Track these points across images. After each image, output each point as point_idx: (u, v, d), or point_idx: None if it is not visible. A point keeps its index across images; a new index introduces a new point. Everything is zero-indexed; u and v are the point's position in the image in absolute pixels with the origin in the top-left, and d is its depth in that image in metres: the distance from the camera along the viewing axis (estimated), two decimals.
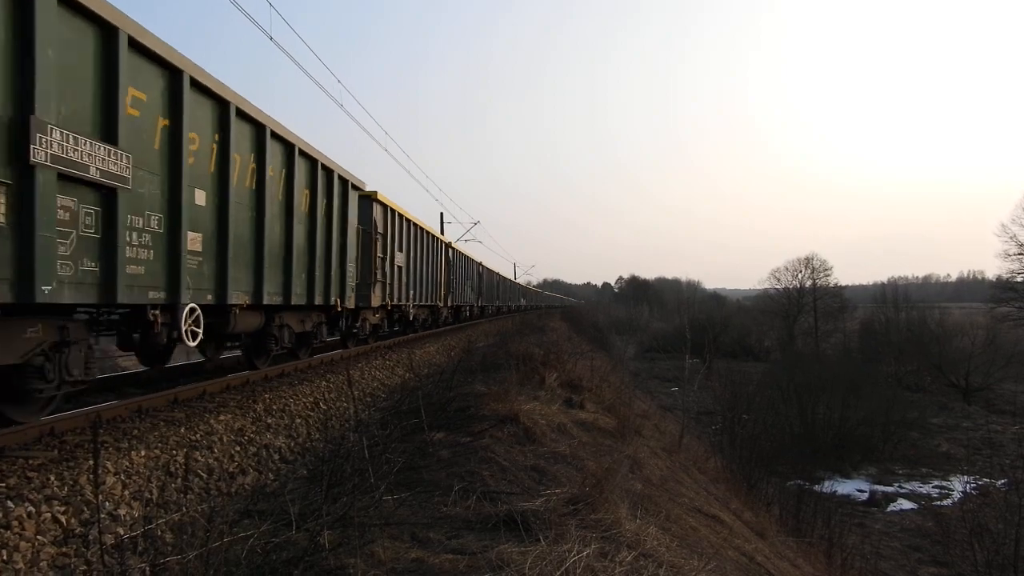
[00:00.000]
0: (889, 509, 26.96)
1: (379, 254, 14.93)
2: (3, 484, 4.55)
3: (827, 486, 24.68)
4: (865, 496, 28.27)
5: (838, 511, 20.40)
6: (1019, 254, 51.19)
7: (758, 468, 19.59)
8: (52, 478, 4.74)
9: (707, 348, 41.74)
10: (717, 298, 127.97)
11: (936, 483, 30.44)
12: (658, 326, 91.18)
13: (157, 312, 6.67)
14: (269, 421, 7.80)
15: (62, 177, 5.20)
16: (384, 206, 15.42)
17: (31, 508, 4.27)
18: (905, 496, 28.60)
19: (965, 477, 27.29)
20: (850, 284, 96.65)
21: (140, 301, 6.32)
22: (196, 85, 7.05)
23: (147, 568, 3.41)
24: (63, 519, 4.30)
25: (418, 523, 4.46)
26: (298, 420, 8.31)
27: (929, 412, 40.85)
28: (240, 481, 6.11)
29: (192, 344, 7.17)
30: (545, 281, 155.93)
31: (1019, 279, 52.58)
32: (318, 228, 10.80)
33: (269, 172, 8.95)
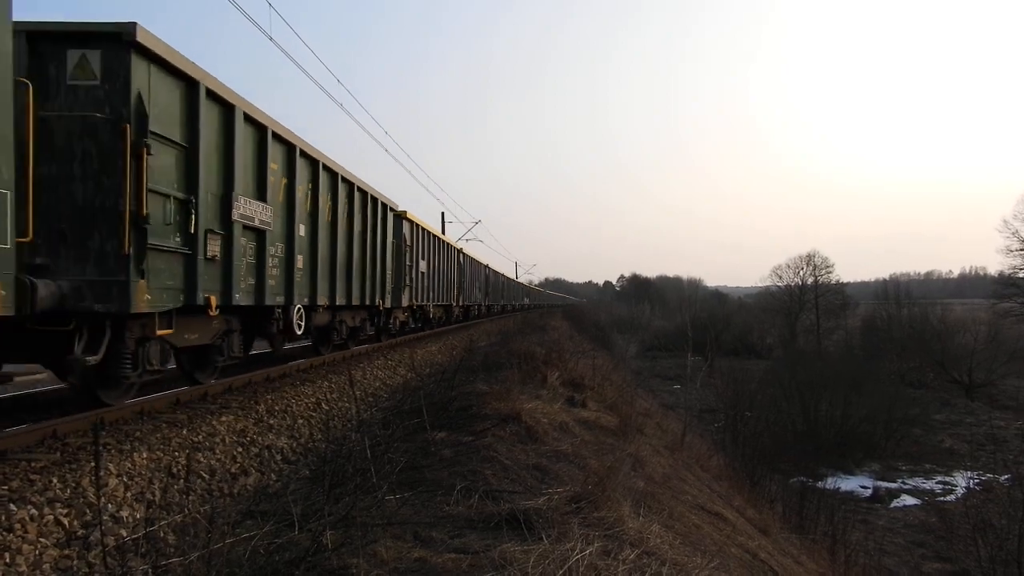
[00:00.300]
0: (892, 505, 26.92)
1: (408, 263, 17.64)
2: (6, 487, 4.55)
3: (830, 483, 24.64)
4: (868, 492, 28.23)
5: (841, 508, 20.37)
6: (1021, 250, 51.26)
7: (761, 465, 19.57)
8: (55, 480, 4.75)
9: (709, 346, 41.75)
10: (719, 296, 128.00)
11: (939, 479, 30.40)
12: (660, 324, 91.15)
13: (279, 311, 9.60)
14: (271, 422, 7.80)
15: (242, 226, 8.03)
16: (412, 223, 18.31)
17: (34, 511, 4.27)
18: (908, 492, 28.56)
19: (968, 473, 27.25)
20: (852, 281, 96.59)
21: (272, 304, 9.04)
22: (303, 154, 9.99)
23: (149, 570, 3.40)
24: (66, 521, 4.30)
25: (421, 522, 4.45)
26: (300, 421, 8.31)
27: (932, 408, 40.79)
28: (242, 482, 6.11)
29: (299, 333, 10.17)
30: (547, 280, 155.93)
31: (1021, 275, 52.55)
32: (368, 245, 13.57)
33: (340, 206, 11.74)
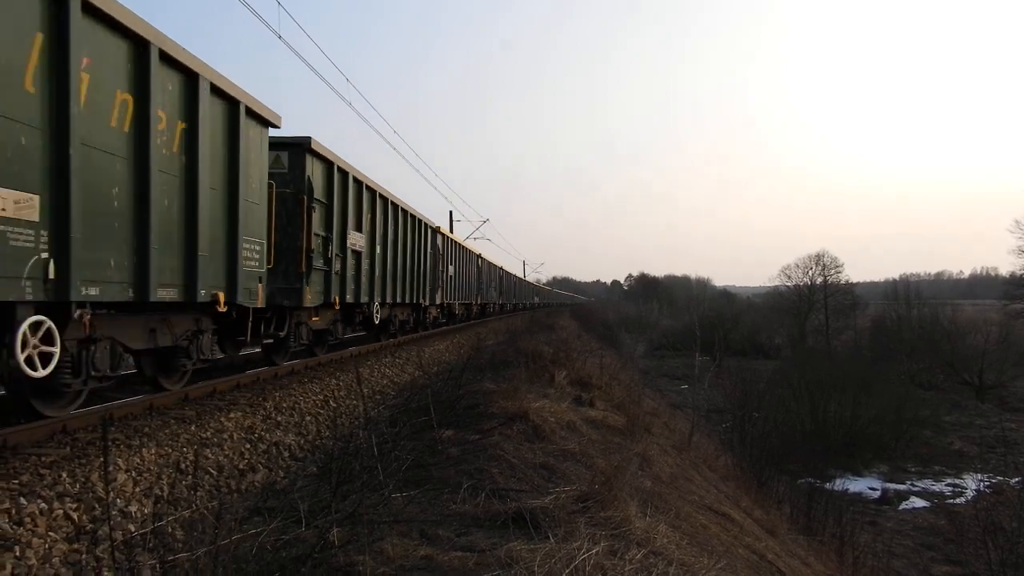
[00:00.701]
0: (901, 507, 26.77)
1: (440, 269, 21.63)
2: (16, 481, 4.58)
3: (838, 484, 24.50)
4: (877, 494, 28.09)
5: (850, 509, 20.25)
6: None
7: (769, 466, 19.49)
8: (64, 475, 4.78)
9: (717, 346, 41.59)
10: (727, 295, 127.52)
11: (949, 481, 30.21)
12: (668, 324, 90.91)
13: (365, 305, 13.71)
14: (279, 419, 7.82)
15: (351, 250, 12.31)
16: (443, 235, 22.46)
17: (43, 505, 4.30)
18: (918, 494, 28.40)
19: (978, 475, 27.05)
20: (861, 281, 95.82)
21: (364, 301, 13.34)
22: (380, 196, 14.32)
23: (157, 565, 3.42)
24: (75, 516, 4.32)
25: (427, 520, 4.46)
26: (308, 418, 8.33)
27: (942, 410, 40.53)
28: (250, 478, 6.13)
29: (376, 323, 14.86)
30: (554, 279, 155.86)
31: None
32: (418, 256, 18.15)
33: (398, 228, 16.04)
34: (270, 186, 9.27)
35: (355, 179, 12.63)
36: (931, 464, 32.48)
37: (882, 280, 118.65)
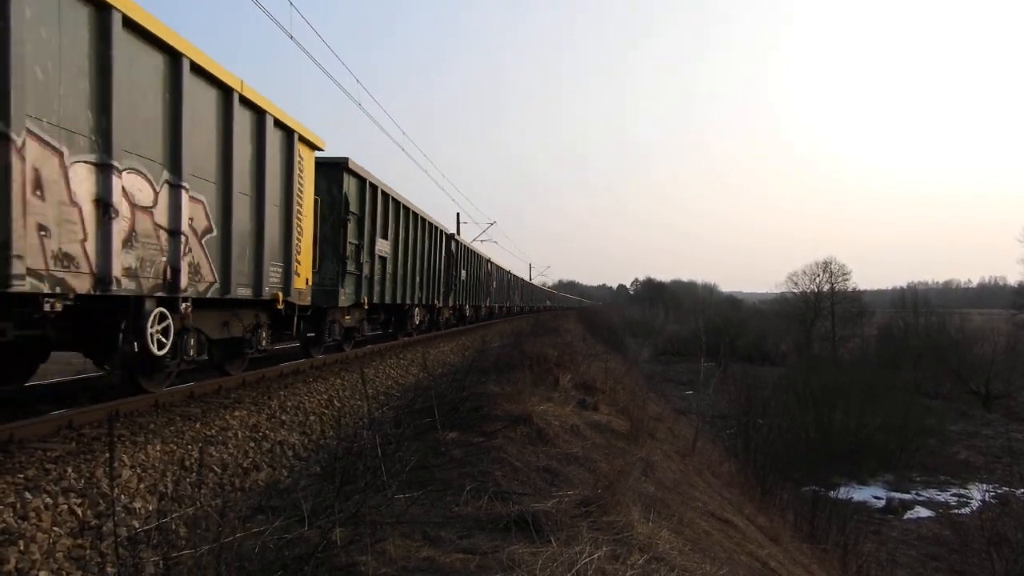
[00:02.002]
0: (906, 517, 26.61)
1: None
2: (21, 476, 4.61)
3: (843, 492, 24.38)
4: (882, 503, 27.93)
5: (854, 518, 20.15)
6: None
7: (773, 473, 19.40)
8: (69, 470, 4.80)
9: (722, 351, 41.48)
10: (733, 301, 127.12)
11: (954, 491, 30.02)
12: (673, 328, 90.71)
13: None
14: (283, 418, 7.84)
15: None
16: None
17: (48, 500, 4.32)
18: (922, 504, 28.23)
19: (984, 485, 26.87)
20: (869, 289, 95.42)
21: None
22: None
23: (160, 561, 3.43)
24: (79, 511, 4.34)
25: (430, 522, 4.46)
26: (312, 417, 8.35)
27: (948, 419, 40.27)
28: (254, 477, 6.15)
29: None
30: (560, 282, 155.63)
31: None
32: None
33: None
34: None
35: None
36: (936, 473, 32.29)
37: (890, 288, 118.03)
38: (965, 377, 49.38)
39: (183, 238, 6.79)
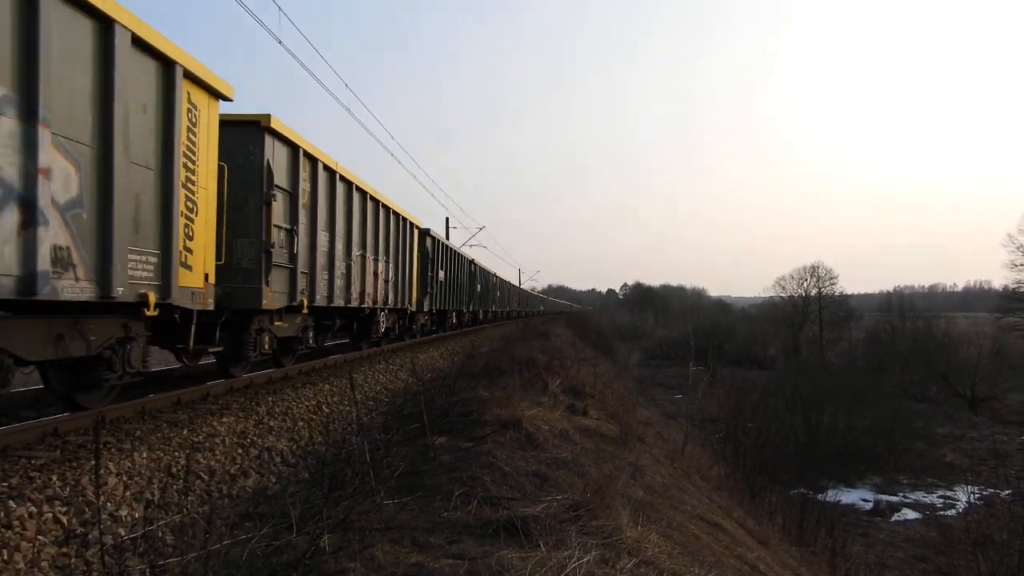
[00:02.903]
0: (893, 519, 26.79)
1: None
2: (5, 484, 4.56)
3: (831, 495, 24.54)
4: (869, 506, 28.10)
5: (842, 520, 20.25)
6: None
7: (761, 477, 19.49)
8: (54, 478, 4.75)
9: (711, 355, 41.66)
10: (722, 305, 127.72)
11: (941, 493, 30.25)
12: (663, 333, 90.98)
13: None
14: (271, 424, 7.80)
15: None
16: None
17: (33, 508, 4.28)
18: (910, 506, 28.42)
19: (970, 487, 27.09)
20: (856, 293, 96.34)
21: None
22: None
23: (147, 569, 3.41)
24: (64, 519, 4.30)
25: (418, 528, 4.45)
26: (300, 423, 8.31)
27: (935, 422, 40.59)
28: (242, 483, 6.11)
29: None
30: (550, 287, 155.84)
31: None
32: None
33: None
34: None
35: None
36: (923, 476, 32.53)
37: (876, 292, 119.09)
38: (951, 380, 49.81)
39: None
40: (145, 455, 5.64)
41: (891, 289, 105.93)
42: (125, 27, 5.91)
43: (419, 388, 9.97)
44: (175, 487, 5.37)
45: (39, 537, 4.05)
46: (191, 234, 7.23)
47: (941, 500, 29.32)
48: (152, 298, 6.45)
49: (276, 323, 9.91)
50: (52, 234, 5.21)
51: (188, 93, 7.10)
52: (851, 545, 18.31)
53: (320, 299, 11.09)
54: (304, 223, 10.34)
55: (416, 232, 18.98)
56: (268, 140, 9.09)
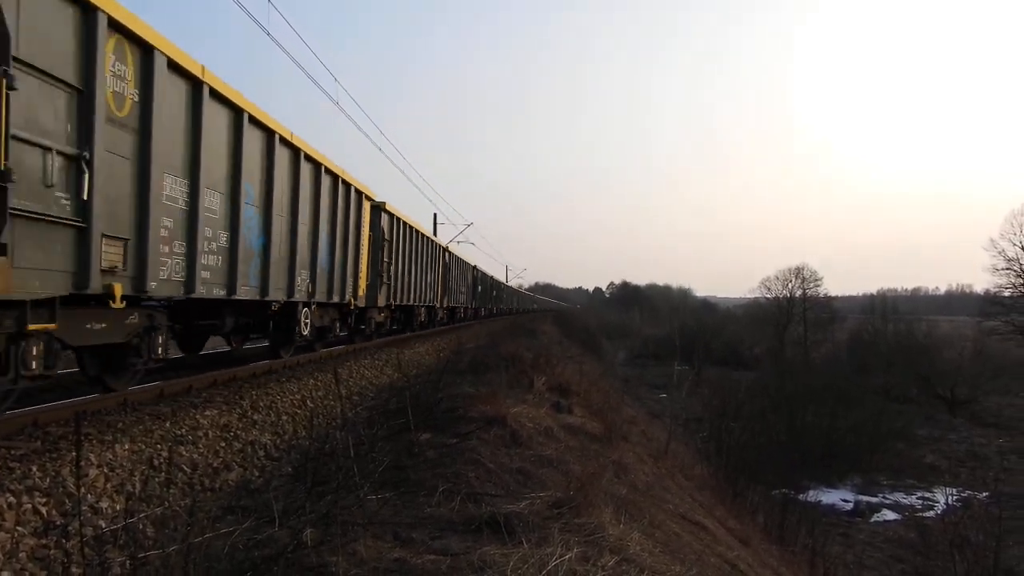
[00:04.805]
0: (873, 520, 27.11)
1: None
2: None
3: (812, 495, 24.81)
4: (850, 506, 28.42)
5: (822, 520, 20.49)
6: (1007, 269, 51.52)
7: (744, 476, 19.65)
8: (34, 469, 4.72)
9: (697, 355, 41.88)
10: (708, 305, 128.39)
11: (920, 494, 30.63)
12: (649, 332, 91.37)
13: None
14: (255, 417, 7.77)
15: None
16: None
17: (12, 499, 4.24)
18: (889, 507, 28.76)
19: (948, 489, 27.47)
20: (840, 295, 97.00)
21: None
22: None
23: (127, 562, 3.39)
24: (44, 510, 4.27)
25: (401, 523, 4.45)
26: (284, 417, 8.28)
27: (915, 423, 41.08)
28: (224, 477, 6.09)
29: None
30: (536, 284, 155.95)
31: (1007, 293, 52.97)
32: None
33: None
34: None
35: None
36: (903, 477, 32.92)
37: (860, 294, 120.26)
38: (933, 382, 50.37)
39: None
40: (127, 447, 5.61)
41: (875, 292, 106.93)
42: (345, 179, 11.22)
43: (404, 384, 9.96)
44: (157, 479, 5.34)
45: (18, 528, 4.02)
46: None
47: (920, 501, 29.69)
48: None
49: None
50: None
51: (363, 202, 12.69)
52: (831, 545, 18.50)
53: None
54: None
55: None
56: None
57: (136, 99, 6.28)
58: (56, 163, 5.26)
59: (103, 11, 5.65)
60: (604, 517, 5.00)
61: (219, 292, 8.17)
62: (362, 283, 14.41)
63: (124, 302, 6.28)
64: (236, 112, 8.24)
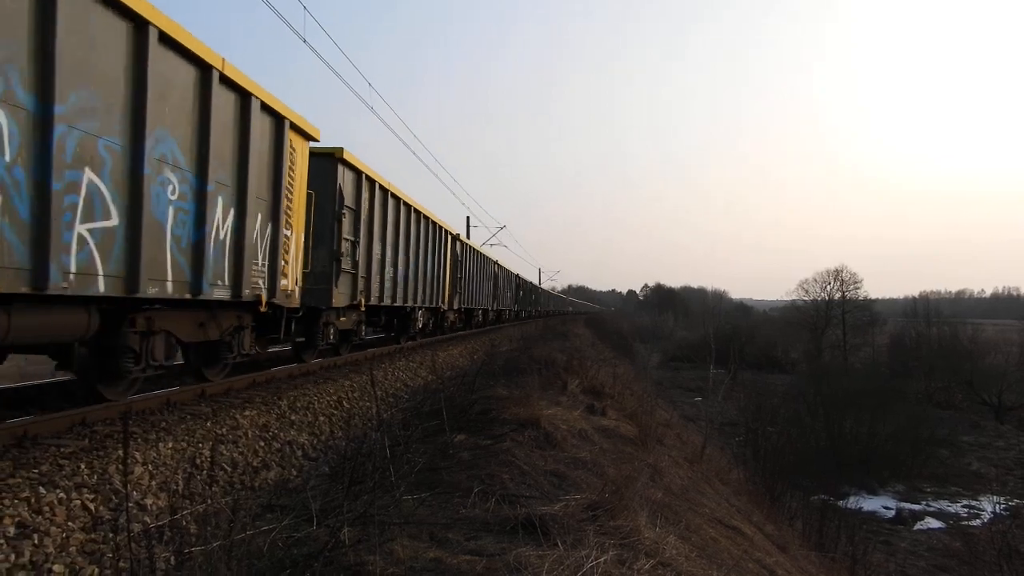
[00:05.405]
0: (916, 528, 26.41)
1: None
2: (36, 471, 4.67)
3: (852, 502, 24.24)
4: (891, 513, 27.73)
5: (863, 527, 20.04)
6: None
7: (781, 481, 19.30)
8: (82, 466, 4.86)
9: (732, 358, 41.33)
10: (743, 308, 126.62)
11: (965, 502, 29.76)
12: (683, 335, 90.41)
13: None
14: (293, 418, 7.89)
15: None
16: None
17: (62, 495, 4.38)
18: (933, 515, 28.00)
19: (996, 497, 26.64)
20: (880, 298, 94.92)
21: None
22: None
23: (172, 557, 3.48)
24: (92, 506, 4.40)
25: (437, 523, 4.48)
26: (321, 418, 8.40)
27: (960, 430, 39.97)
28: (263, 476, 6.20)
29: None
30: (570, 287, 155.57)
31: None
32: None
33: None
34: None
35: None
36: (947, 485, 32.03)
37: (901, 297, 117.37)
38: (977, 388, 48.96)
39: None
40: (170, 446, 5.75)
41: (917, 294, 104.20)
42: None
43: (439, 386, 10.03)
44: (199, 477, 5.46)
45: (68, 523, 4.15)
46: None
47: (965, 510, 28.85)
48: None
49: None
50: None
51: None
52: (872, 553, 18.07)
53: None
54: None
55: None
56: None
57: (367, 207, 12.83)
58: (348, 245, 11.85)
59: (365, 173, 11.88)
60: (639, 520, 4.97)
61: (387, 302, 14.18)
62: (446, 293, 19.82)
63: (363, 307, 12.54)
64: (398, 199, 14.57)
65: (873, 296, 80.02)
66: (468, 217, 44.45)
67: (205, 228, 6.81)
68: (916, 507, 28.69)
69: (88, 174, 5.22)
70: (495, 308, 33.23)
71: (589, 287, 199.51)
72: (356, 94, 31.33)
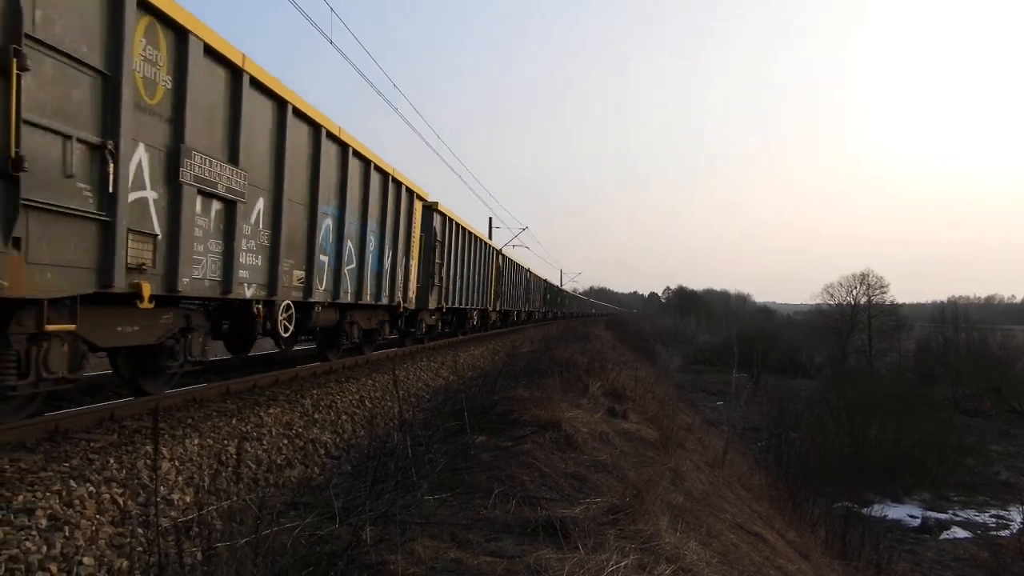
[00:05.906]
0: (942, 537, 25.94)
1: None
2: (67, 464, 4.77)
3: (877, 509, 23.87)
4: (917, 522, 27.27)
5: (887, 536, 19.74)
6: None
7: (804, 487, 19.07)
8: (112, 461, 4.96)
9: (755, 362, 40.95)
10: (766, 312, 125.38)
11: (993, 512, 29.18)
12: (705, 338, 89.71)
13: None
14: (316, 416, 7.97)
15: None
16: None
17: (92, 488, 4.47)
18: (960, 524, 27.49)
19: None
20: (907, 302, 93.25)
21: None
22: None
23: (199, 552, 3.54)
24: (121, 501, 4.49)
25: (458, 524, 4.51)
26: (344, 417, 8.47)
27: (988, 438, 39.19)
28: (287, 473, 6.27)
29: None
30: (591, 289, 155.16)
31: None
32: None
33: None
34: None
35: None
36: (975, 494, 31.42)
37: (929, 302, 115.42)
38: (1007, 395, 47.96)
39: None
40: (197, 442, 5.84)
41: (945, 300, 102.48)
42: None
43: (460, 386, 10.06)
44: (225, 474, 5.54)
45: (98, 516, 4.23)
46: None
47: (993, 519, 28.29)
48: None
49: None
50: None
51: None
52: (897, 562, 17.81)
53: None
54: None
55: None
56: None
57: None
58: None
59: (448, 216, 17.83)
60: (660, 525, 4.95)
61: (476, 306, 21.38)
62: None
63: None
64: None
65: (900, 301, 78.83)
66: (491, 218, 44.64)
67: (383, 264, 12.14)
68: (943, 516, 28.20)
69: (348, 243, 10.45)
70: (527, 310, 38.04)
71: (610, 288, 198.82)
72: (381, 95, 31.63)
